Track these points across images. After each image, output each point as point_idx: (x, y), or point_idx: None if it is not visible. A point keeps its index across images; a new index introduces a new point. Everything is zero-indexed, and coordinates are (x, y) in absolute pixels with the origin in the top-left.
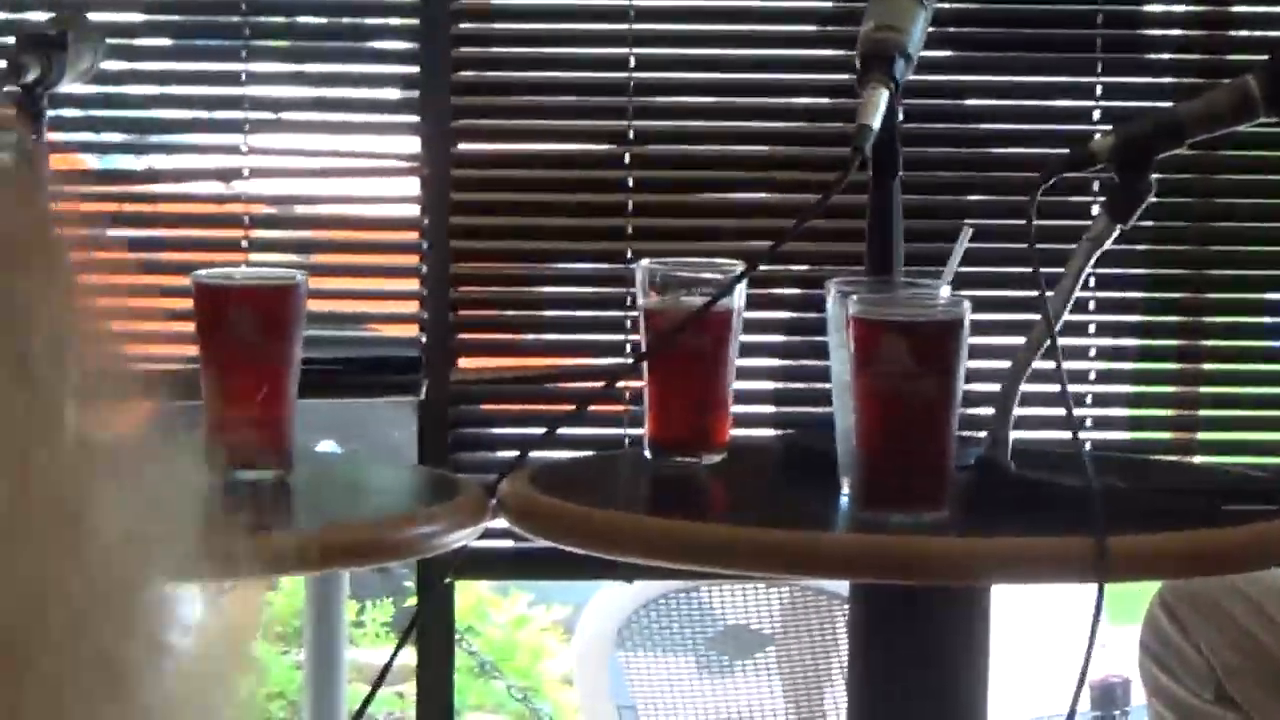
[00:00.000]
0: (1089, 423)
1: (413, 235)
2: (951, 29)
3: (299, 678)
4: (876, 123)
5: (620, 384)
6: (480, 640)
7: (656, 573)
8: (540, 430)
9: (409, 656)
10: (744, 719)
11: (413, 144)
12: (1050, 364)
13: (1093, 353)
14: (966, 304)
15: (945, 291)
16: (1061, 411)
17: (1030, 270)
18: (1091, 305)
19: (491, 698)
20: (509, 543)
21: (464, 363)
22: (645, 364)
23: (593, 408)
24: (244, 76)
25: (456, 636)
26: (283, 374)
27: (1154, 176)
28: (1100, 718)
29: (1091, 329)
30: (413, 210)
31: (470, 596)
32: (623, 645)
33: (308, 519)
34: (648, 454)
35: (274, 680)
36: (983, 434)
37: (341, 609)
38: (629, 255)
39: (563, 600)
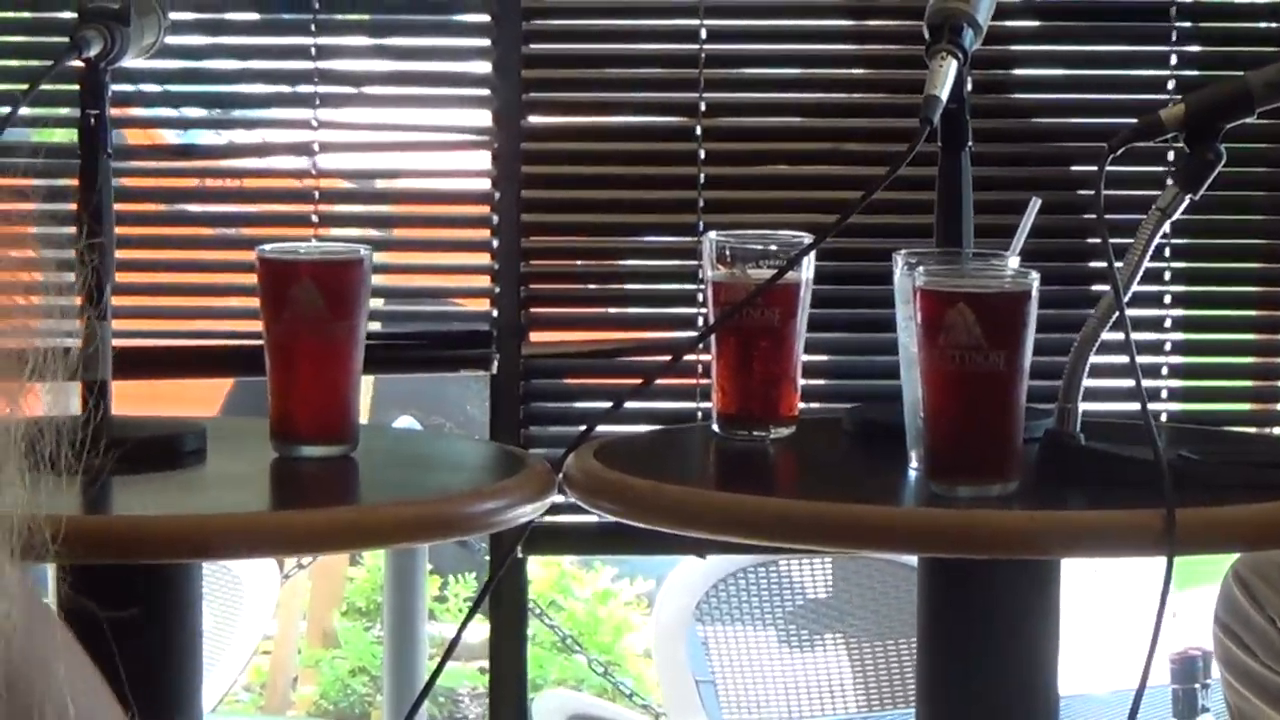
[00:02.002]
0: (1165, 394)
1: (484, 210)
2: None
3: (380, 652)
4: (945, 94)
5: (692, 358)
6: (563, 615)
7: (730, 547)
8: (608, 404)
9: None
10: (822, 692)
11: (484, 118)
12: (1121, 335)
13: (1168, 323)
14: (1035, 275)
15: (1014, 263)
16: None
17: (1099, 241)
18: (1167, 275)
19: (574, 672)
20: (585, 517)
21: (535, 337)
22: (712, 337)
23: (666, 382)
24: (314, 50)
25: (537, 611)
26: (347, 349)
27: (1223, 145)
28: (1181, 690)
29: (1167, 299)
30: (484, 184)
31: (553, 571)
32: (701, 619)
33: (371, 494)
34: (715, 428)
35: (356, 655)
36: (1051, 406)
37: (421, 584)
38: (700, 228)
39: (646, 574)
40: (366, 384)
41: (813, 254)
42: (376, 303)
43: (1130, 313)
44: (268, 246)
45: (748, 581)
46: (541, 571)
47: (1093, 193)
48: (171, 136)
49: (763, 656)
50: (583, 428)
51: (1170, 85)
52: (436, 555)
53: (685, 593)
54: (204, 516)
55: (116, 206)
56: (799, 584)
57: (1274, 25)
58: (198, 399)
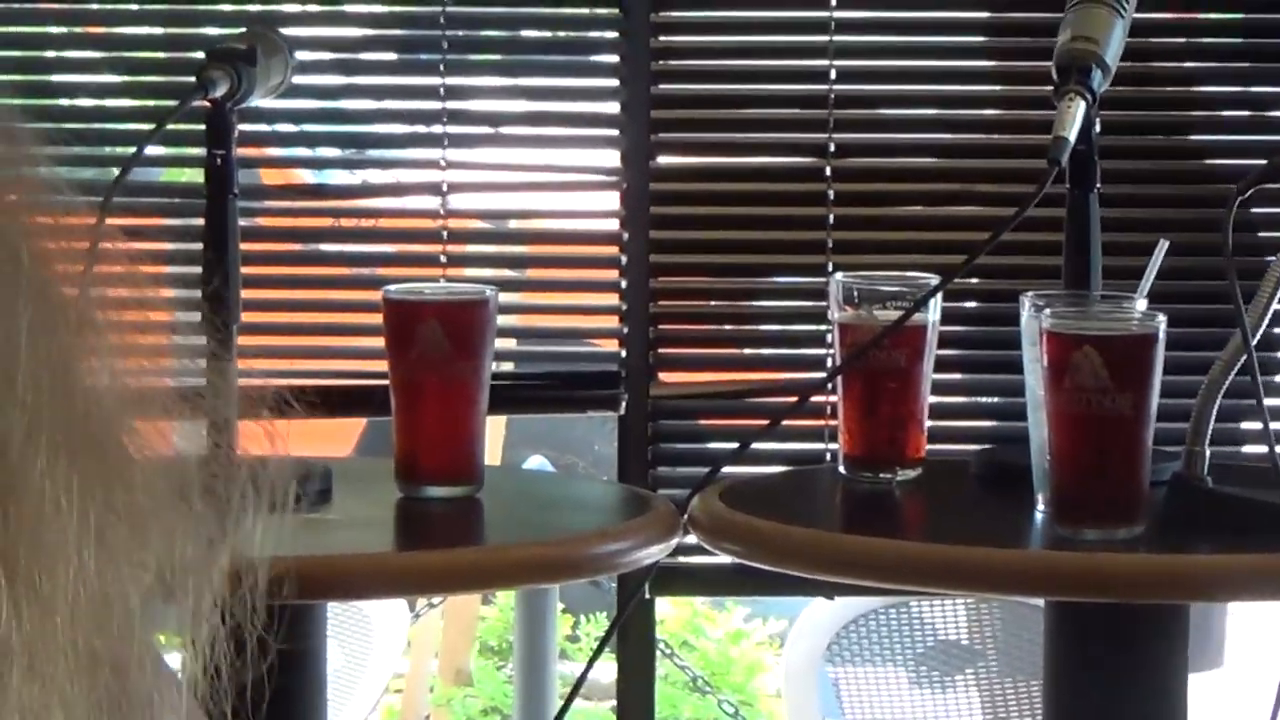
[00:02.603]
0: None
1: (613, 250)
2: (1154, 40)
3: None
4: (1073, 135)
5: (821, 399)
6: (695, 655)
7: (858, 589)
8: (735, 445)
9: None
10: None
11: (612, 158)
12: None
13: None
14: (1162, 318)
15: (1141, 305)
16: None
17: (1226, 282)
18: None
19: (706, 712)
20: (714, 558)
21: (664, 377)
22: (839, 379)
23: (794, 423)
24: (443, 91)
25: (667, 651)
26: (472, 389)
27: None
28: None
29: None
30: (613, 225)
31: (685, 611)
32: (832, 660)
33: (495, 535)
34: (842, 470)
35: (488, 694)
36: (1179, 449)
37: (552, 624)
38: (830, 269)
39: (779, 614)
40: (498, 424)
41: (940, 295)
42: (508, 343)
43: (1262, 355)
44: (393, 287)
45: (879, 622)
46: (673, 611)
47: (1221, 235)
48: (306, 176)
49: (894, 697)
50: (709, 469)
51: None
52: (569, 595)
53: (815, 633)
54: (328, 557)
55: (249, 246)
56: (931, 624)
57: None
58: (331, 438)
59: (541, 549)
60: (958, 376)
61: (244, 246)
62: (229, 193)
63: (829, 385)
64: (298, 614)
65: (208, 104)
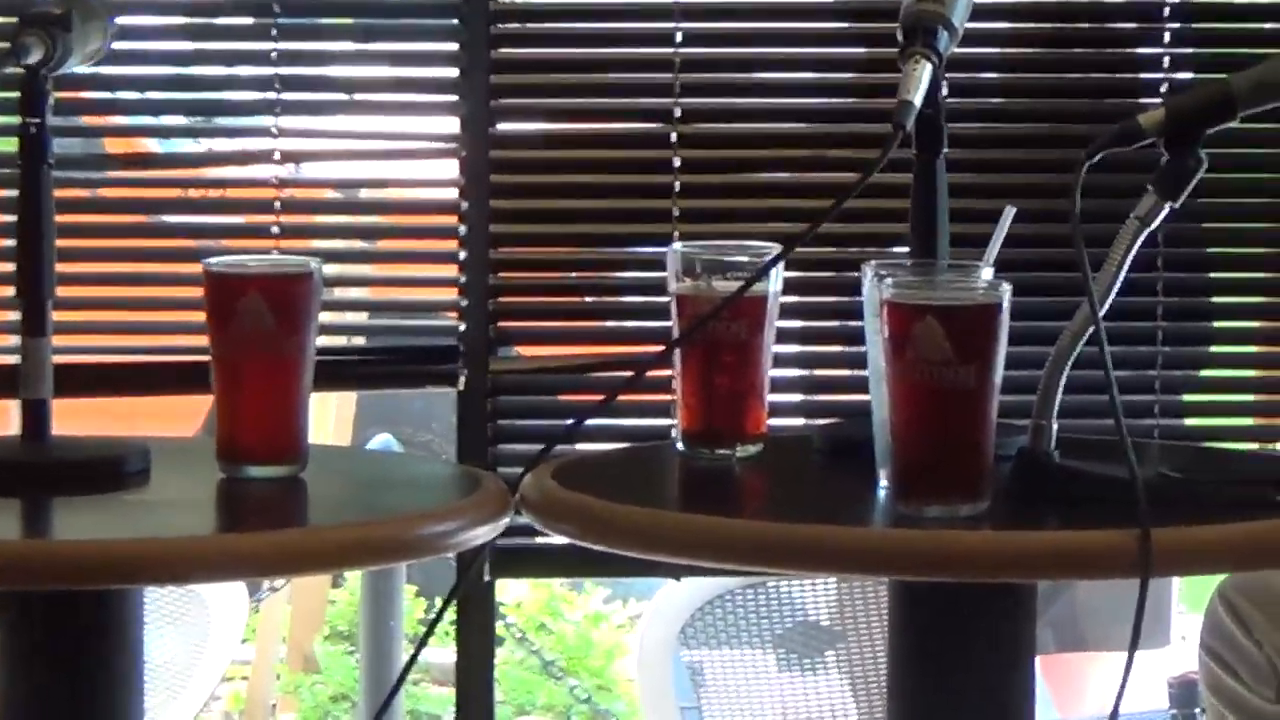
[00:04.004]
0: (1156, 410)
1: (452, 220)
2: None
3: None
4: (918, 98)
5: (666, 373)
6: (554, 638)
7: (698, 569)
8: (570, 422)
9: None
10: (813, 718)
11: (451, 125)
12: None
13: (1161, 337)
14: (1007, 287)
15: (986, 274)
16: (1128, 398)
17: (1074, 250)
18: (1160, 287)
19: (561, 698)
20: (557, 539)
21: (505, 352)
22: (678, 352)
23: (639, 398)
24: (274, 56)
25: (519, 634)
26: (295, 366)
27: (1205, 152)
28: (1181, 715)
29: (1160, 311)
30: (451, 194)
31: (543, 593)
32: (688, 643)
33: (317, 516)
34: (680, 446)
35: (337, 681)
36: (1026, 423)
37: (399, 607)
38: (676, 238)
39: (640, 596)
40: (347, 401)
41: (781, 265)
42: (359, 317)
43: (1115, 325)
44: (215, 259)
45: (736, 603)
46: (531, 594)
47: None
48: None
49: (756, 681)
50: (543, 447)
51: (1164, 89)
52: (425, 577)
53: (668, 616)
54: (139, 541)
55: (90, 218)
56: (793, 605)
57: (1270, 26)
58: (178, 416)
59: (362, 530)
60: (801, 348)
61: (85, 219)
62: (43, 162)
63: (668, 359)
64: (107, 599)
65: (21, 70)
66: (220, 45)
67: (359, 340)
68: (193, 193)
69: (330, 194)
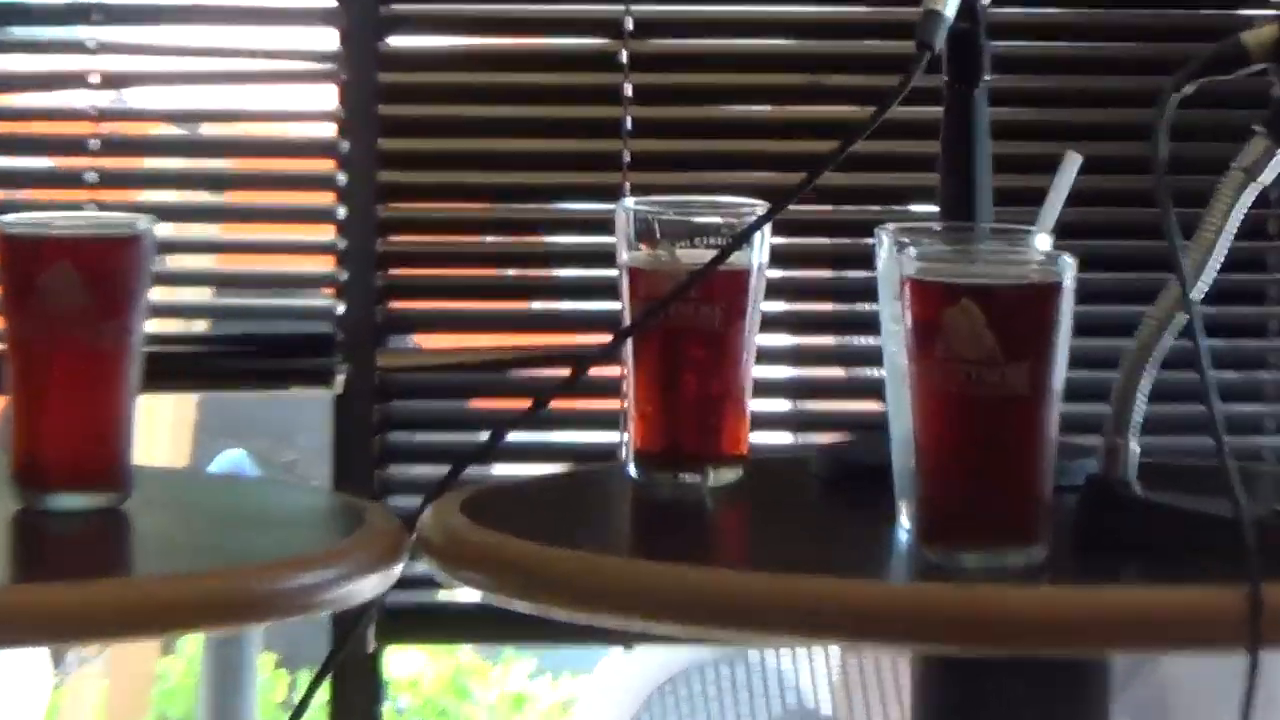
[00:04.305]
0: (1269, 426)
1: (327, 165)
2: None
3: None
4: (950, 7)
5: (607, 372)
6: None
7: (669, 637)
8: (485, 435)
9: None
10: None
11: (328, 38)
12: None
13: (1274, 328)
14: (1069, 260)
15: (1043, 242)
16: (1231, 409)
17: (1158, 211)
18: (1273, 261)
19: None
20: (465, 593)
21: (395, 342)
22: (629, 344)
23: (573, 405)
24: None
25: None
26: (117, 359)
27: None
28: None
29: (1273, 294)
30: (327, 131)
31: (448, 664)
32: None
33: (144, 562)
34: (632, 471)
35: None
36: (1096, 442)
37: (250, 684)
38: (626, 190)
39: (575, 669)
40: (185, 405)
41: (768, 229)
42: (201, 293)
43: (1214, 310)
44: (8, 217)
45: (704, 682)
46: (432, 666)
47: (1150, 144)
48: None
49: None
50: (449, 469)
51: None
52: (288, 644)
53: (617, 698)
54: None
55: None
56: (781, 685)
57: None
58: None
59: (206, 581)
60: (793, 341)
61: None
62: None
63: (615, 352)
64: None
65: None
66: None
67: (200, 326)
68: None
69: (165, 129)
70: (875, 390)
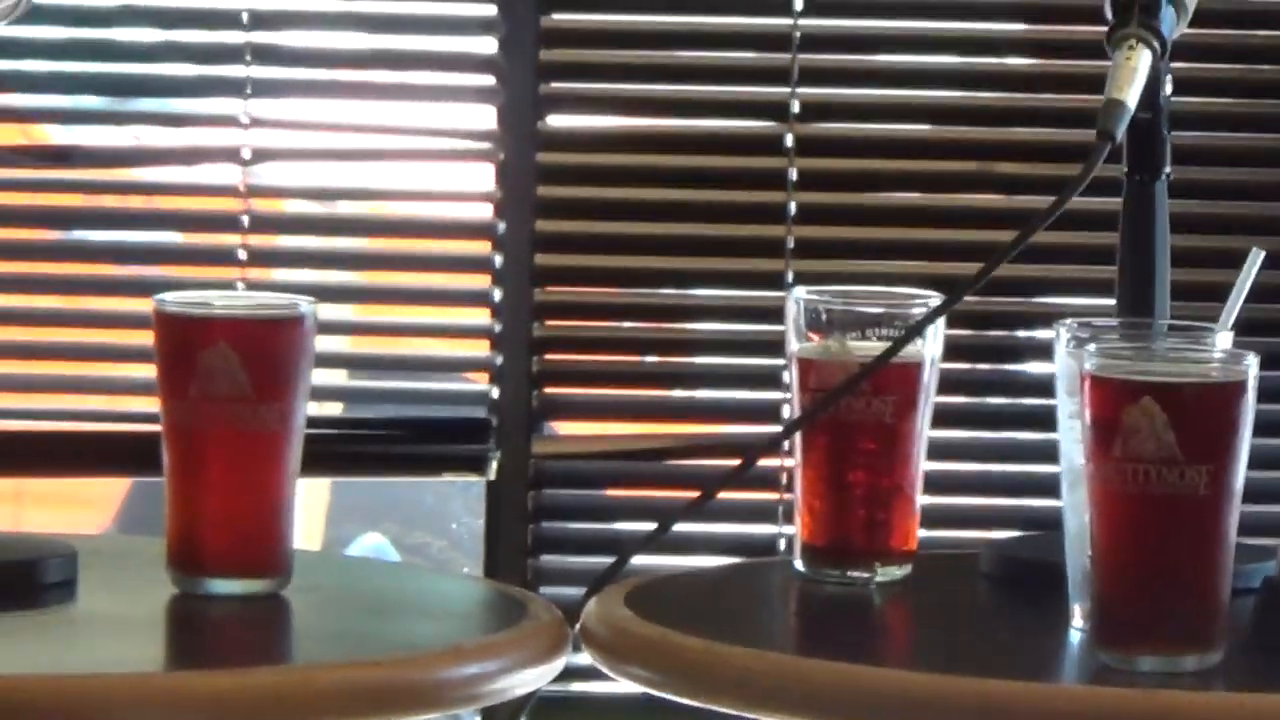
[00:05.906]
0: None
1: (484, 247)
2: None
3: None
4: (1133, 98)
5: (771, 463)
6: None
7: None
8: (651, 527)
9: None
10: None
11: (486, 117)
12: None
13: None
14: (1253, 358)
15: (1225, 340)
16: None
17: None
18: None
19: None
20: (618, 686)
21: (553, 429)
22: (798, 437)
23: (734, 497)
24: (245, 19)
25: None
26: (278, 443)
27: None
28: None
29: None
30: (484, 211)
31: None
32: None
33: (305, 650)
34: (799, 565)
35: None
36: (1275, 543)
37: None
38: (789, 279)
39: None
40: (318, 491)
41: (943, 321)
42: (336, 376)
43: None
44: (169, 295)
45: None
46: None
47: None
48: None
49: None
50: (612, 560)
51: None
52: None
53: None
54: (64, 677)
55: None
56: None
57: None
58: (85, 503)
59: (367, 670)
60: (964, 435)
61: None
62: None
63: (784, 444)
64: None
65: None
66: (175, 4)
67: (334, 409)
68: (132, 201)
69: (313, 207)
70: (1045, 487)
